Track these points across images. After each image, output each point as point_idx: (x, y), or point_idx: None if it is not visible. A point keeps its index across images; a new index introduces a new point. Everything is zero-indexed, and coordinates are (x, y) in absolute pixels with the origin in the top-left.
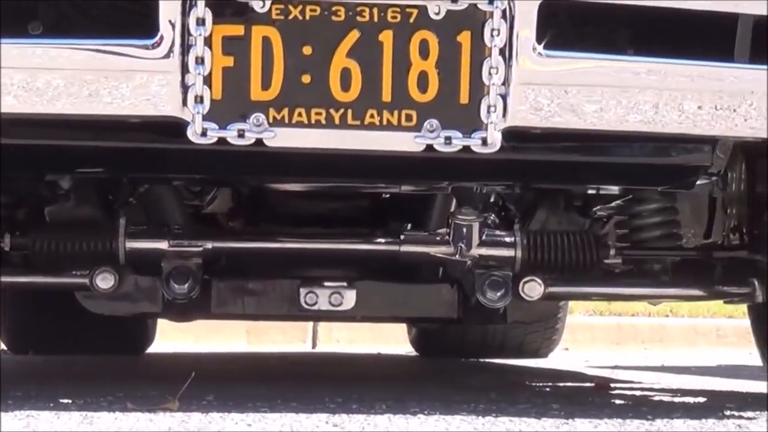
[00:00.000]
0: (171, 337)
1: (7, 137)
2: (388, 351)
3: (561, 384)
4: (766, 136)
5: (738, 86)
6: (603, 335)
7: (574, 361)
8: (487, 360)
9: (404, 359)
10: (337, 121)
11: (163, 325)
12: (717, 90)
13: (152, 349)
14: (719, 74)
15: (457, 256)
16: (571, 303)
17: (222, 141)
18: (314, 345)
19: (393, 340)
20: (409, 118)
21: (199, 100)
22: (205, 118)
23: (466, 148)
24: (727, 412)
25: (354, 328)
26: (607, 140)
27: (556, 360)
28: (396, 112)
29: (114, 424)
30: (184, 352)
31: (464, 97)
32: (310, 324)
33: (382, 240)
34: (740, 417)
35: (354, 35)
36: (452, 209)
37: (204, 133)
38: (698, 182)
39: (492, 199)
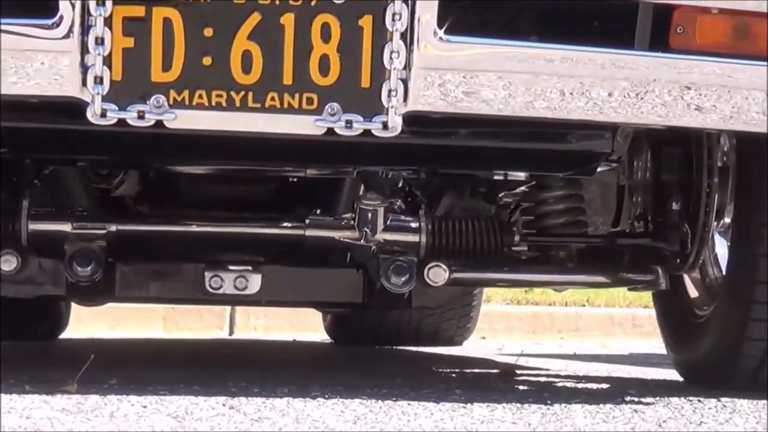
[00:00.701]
0: (87, 324)
1: None
2: (305, 338)
3: (468, 370)
4: (669, 124)
5: (642, 74)
6: (520, 324)
7: (488, 349)
8: (402, 348)
9: (318, 346)
10: (237, 104)
11: (80, 311)
12: (622, 77)
13: (67, 335)
14: (623, 62)
15: (362, 241)
16: (488, 291)
17: (122, 122)
18: (231, 332)
19: (311, 327)
20: (310, 101)
21: (98, 81)
22: (104, 99)
23: (367, 132)
24: (627, 398)
25: (272, 316)
26: (508, 126)
27: (470, 348)
28: (297, 96)
29: (7, 405)
30: (98, 338)
31: (365, 81)
32: (228, 311)
33: (288, 224)
34: (639, 402)
35: (255, 18)
36: (360, 193)
37: (103, 114)
38: (600, 169)
39: (399, 185)
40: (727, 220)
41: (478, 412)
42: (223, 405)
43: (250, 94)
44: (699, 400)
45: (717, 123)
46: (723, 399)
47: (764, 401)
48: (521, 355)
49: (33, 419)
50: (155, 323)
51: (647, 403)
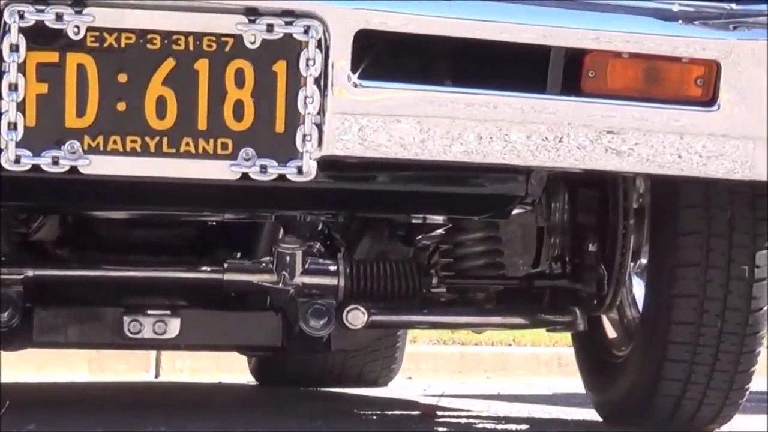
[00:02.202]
0: (12, 366)
1: None
2: (231, 380)
3: (389, 412)
4: (585, 167)
5: (557, 118)
6: (446, 364)
7: (413, 389)
8: (326, 389)
9: (243, 388)
10: (152, 149)
11: (4, 353)
12: (538, 121)
13: None
14: (540, 106)
15: (280, 284)
16: (414, 331)
17: (36, 168)
18: (157, 374)
19: (237, 369)
20: (225, 146)
21: (12, 126)
22: (18, 144)
23: (282, 177)
24: None
25: (198, 358)
26: (424, 170)
27: (395, 388)
28: (212, 141)
29: None
30: (21, 382)
31: (280, 126)
32: (153, 353)
33: (206, 268)
34: None
35: (170, 63)
36: (279, 237)
37: (17, 160)
38: (516, 211)
39: (318, 228)
40: (644, 261)
41: None
42: None
43: (165, 140)
44: None
45: (633, 166)
46: None
47: None
48: (443, 396)
49: None
50: (81, 365)
51: None
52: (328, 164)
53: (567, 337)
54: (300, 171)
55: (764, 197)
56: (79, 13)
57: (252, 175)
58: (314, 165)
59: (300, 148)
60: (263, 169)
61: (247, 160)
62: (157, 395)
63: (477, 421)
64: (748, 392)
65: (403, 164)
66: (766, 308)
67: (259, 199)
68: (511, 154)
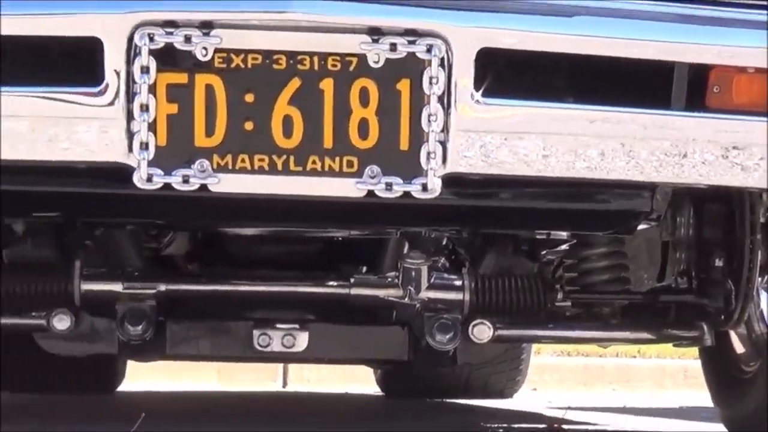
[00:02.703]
0: (145, 375)
1: None
2: (356, 390)
3: (516, 425)
4: (710, 183)
5: (681, 134)
6: (570, 375)
7: (538, 401)
8: (452, 400)
9: (370, 399)
10: (279, 168)
11: (137, 363)
12: (662, 137)
13: (124, 386)
14: (663, 122)
15: (406, 299)
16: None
17: (167, 186)
18: (284, 384)
19: (363, 379)
20: (350, 164)
21: (144, 146)
22: (150, 164)
23: (407, 194)
24: None
25: (324, 368)
26: (548, 186)
27: (520, 400)
28: (337, 159)
29: None
30: (153, 391)
31: (404, 144)
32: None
33: (333, 283)
34: None
35: (295, 83)
36: (404, 252)
37: (149, 179)
38: (641, 226)
39: (443, 243)
40: None
41: None
42: None
43: (292, 158)
44: None
45: (759, 181)
46: None
47: None
48: (569, 408)
49: None
50: (211, 375)
51: None
52: (452, 181)
53: (694, 349)
54: (425, 188)
55: None
56: (206, 35)
57: (377, 193)
58: (439, 182)
59: (424, 166)
60: (388, 186)
61: (373, 177)
62: (285, 405)
63: None
64: None
65: (526, 181)
66: None
67: (384, 215)
68: (634, 170)
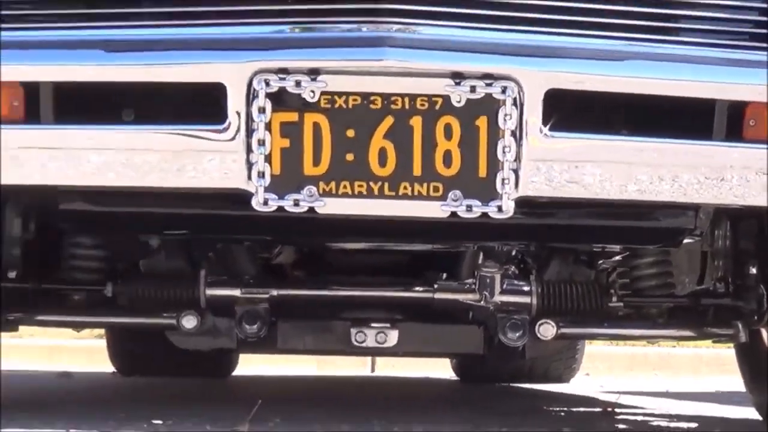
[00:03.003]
0: (254, 361)
1: (106, 206)
2: (435, 375)
3: (574, 409)
4: (744, 204)
5: (720, 161)
6: (618, 362)
7: (591, 386)
8: (517, 384)
9: (448, 383)
10: (376, 192)
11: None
12: (703, 165)
13: (237, 371)
14: (705, 151)
15: (482, 302)
16: None
17: (280, 209)
18: (373, 370)
19: (441, 365)
20: (436, 189)
21: (261, 175)
22: (266, 190)
23: (485, 215)
24: None
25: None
26: (604, 207)
27: (576, 385)
28: (425, 185)
29: None
30: (262, 375)
31: (483, 172)
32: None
33: (420, 288)
34: None
35: (389, 120)
36: (480, 262)
37: (265, 203)
38: (685, 241)
39: (513, 254)
40: None
41: None
42: None
43: (386, 185)
44: None
45: None
46: None
47: None
48: (621, 393)
49: None
50: (310, 361)
51: None
52: (522, 203)
53: None
54: (500, 210)
55: None
56: (314, 80)
57: (459, 214)
58: (512, 204)
59: (500, 190)
60: (469, 208)
61: (455, 200)
62: (374, 389)
63: (652, 418)
64: None
65: (586, 202)
66: None
67: (465, 232)
68: (678, 193)
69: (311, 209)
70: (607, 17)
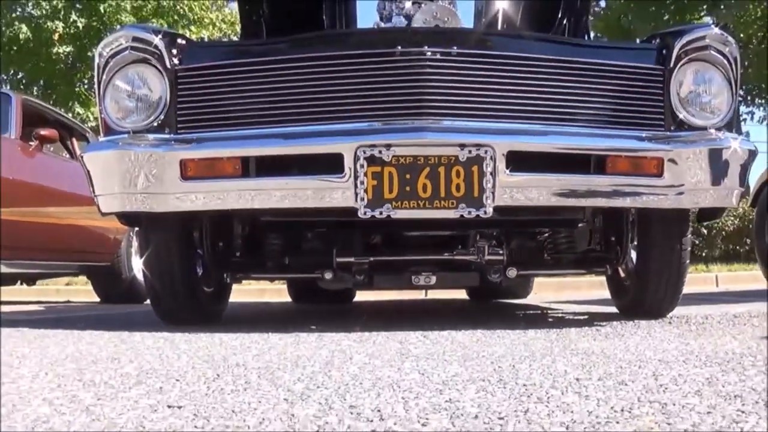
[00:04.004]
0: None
1: (284, 217)
2: (458, 297)
3: (528, 312)
4: (609, 206)
5: (595, 183)
6: (552, 286)
7: (536, 299)
8: (497, 300)
9: (462, 301)
10: (421, 206)
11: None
12: (586, 185)
13: (355, 300)
14: (587, 179)
15: (478, 260)
16: None
17: (372, 216)
18: (426, 295)
19: (460, 293)
20: (452, 204)
21: (362, 199)
22: (365, 206)
23: (477, 215)
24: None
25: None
26: (539, 209)
27: (529, 299)
28: (446, 201)
29: (322, 339)
30: (367, 300)
31: (476, 194)
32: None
33: (446, 254)
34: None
35: (427, 169)
36: (477, 239)
37: (365, 213)
38: (579, 225)
39: (494, 234)
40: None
41: (532, 334)
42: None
43: (427, 202)
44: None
45: (628, 204)
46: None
47: None
48: (551, 302)
49: (332, 347)
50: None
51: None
52: (497, 209)
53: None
54: (485, 212)
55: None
56: (388, 149)
57: (464, 215)
58: (491, 210)
59: (485, 203)
60: (469, 212)
61: (462, 209)
62: (427, 305)
63: (564, 313)
64: None
65: (530, 207)
66: None
67: (465, 224)
68: (577, 200)
69: (389, 216)
70: (538, 112)
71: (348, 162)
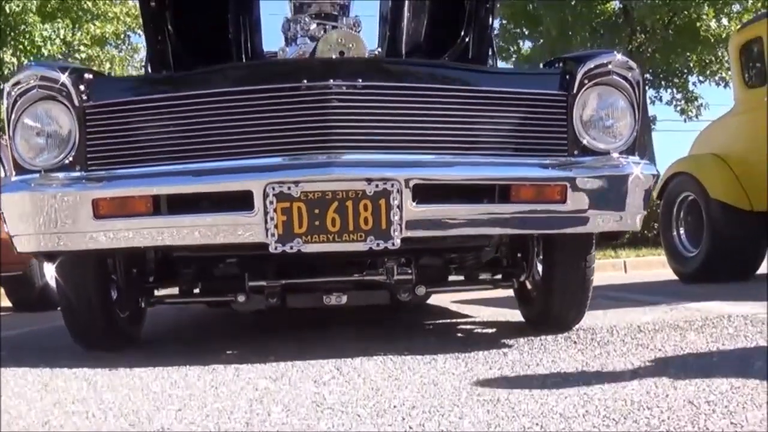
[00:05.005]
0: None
1: (196, 252)
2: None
3: (432, 324)
4: (513, 231)
5: (499, 211)
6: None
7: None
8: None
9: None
10: (331, 240)
11: None
12: (489, 213)
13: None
14: (491, 208)
15: (387, 280)
16: None
17: (283, 251)
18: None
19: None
20: (361, 237)
21: (272, 234)
22: (276, 241)
23: (386, 247)
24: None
25: None
26: (443, 237)
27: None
28: (355, 234)
29: None
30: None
31: (384, 226)
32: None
33: (357, 275)
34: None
35: (336, 204)
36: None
37: (276, 248)
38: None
39: (402, 259)
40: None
41: (441, 366)
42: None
43: (336, 236)
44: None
45: (532, 229)
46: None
47: None
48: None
49: (250, 395)
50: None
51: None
52: (404, 239)
53: None
54: (393, 244)
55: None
56: (296, 185)
57: (372, 247)
58: (399, 241)
59: (393, 235)
60: (377, 244)
61: (371, 241)
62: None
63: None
64: None
65: (435, 236)
66: None
67: (375, 255)
68: (480, 228)
69: (299, 250)
70: (443, 143)
71: (258, 199)
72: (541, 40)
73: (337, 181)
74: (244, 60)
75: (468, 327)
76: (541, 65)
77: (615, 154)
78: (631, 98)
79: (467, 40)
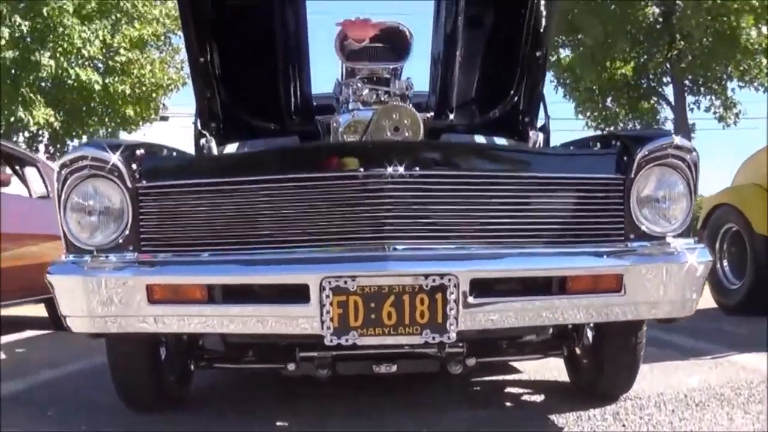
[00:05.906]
0: None
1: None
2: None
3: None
4: (572, 322)
5: (557, 305)
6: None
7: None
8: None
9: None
10: (387, 333)
11: None
12: (549, 307)
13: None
14: (549, 302)
15: (439, 353)
16: None
17: (338, 344)
18: None
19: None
20: (416, 330)
21: (328, 327)
22: (331, 334)
23: (441, 341)
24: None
25: None
26: (504, 330)
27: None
28: (411, 328)
29: None
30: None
31: (440, 320)
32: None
33: (407, 347)
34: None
35: (392, 298)
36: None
37: (331, 341)
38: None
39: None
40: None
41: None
42: None
43: (392, 329)
44: None
45: (591, 319)
46: None
47: None
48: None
49: None
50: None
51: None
52: (459, 334)
53: None
54: (448, 338)
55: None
56: (353, 280)
57: (428, 341)
58: (455, 335)
59: (449, 329)
60: (433, 338)
61: (426, 335)
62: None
63: (516, 384)
64: None
65: (495, 330)
66: None
67: (431, 346)
68: (542, 321)
69: (354, 343)
70: (499, 233)
71: (314, 292)
72: (581, 48)
73: (393, 276)
74: (293, 107)
75: (515, 391)
76: (590, 142)
77: (670, 239)
78: (689, 181)
79: (518, 95)
